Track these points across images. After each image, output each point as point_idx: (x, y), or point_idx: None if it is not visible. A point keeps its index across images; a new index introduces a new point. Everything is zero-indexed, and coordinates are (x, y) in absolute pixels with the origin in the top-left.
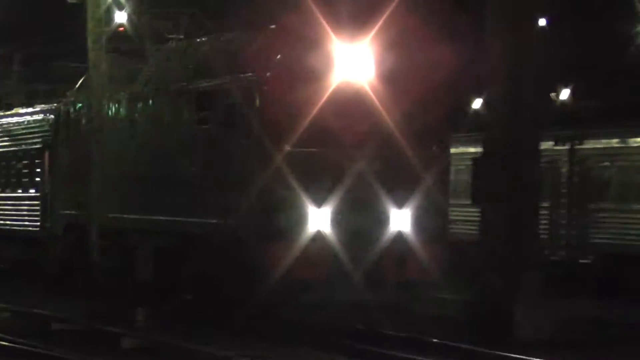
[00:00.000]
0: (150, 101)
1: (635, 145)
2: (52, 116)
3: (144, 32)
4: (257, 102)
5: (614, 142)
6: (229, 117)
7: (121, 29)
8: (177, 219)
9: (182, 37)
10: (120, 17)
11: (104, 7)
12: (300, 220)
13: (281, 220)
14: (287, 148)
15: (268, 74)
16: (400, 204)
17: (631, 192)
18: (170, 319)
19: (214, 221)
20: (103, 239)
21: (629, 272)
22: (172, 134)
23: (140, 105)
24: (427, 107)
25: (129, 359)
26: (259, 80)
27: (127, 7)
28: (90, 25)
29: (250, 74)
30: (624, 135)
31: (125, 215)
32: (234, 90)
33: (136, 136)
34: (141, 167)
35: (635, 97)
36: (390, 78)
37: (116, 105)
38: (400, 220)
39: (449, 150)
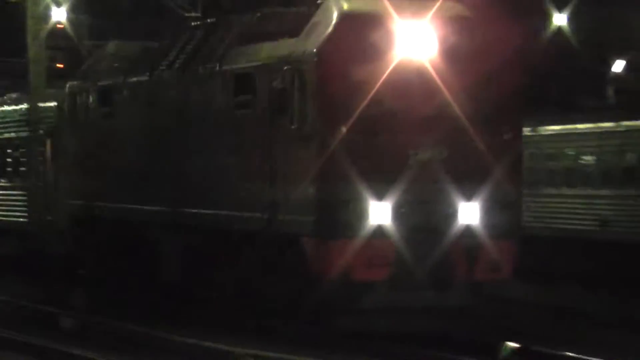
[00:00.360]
0: (174, 85)
1: (545, 133)
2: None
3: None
4: (311, 83)
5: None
6: (277, 100)
7: (60, 26)
8: (209, 212)
9: (199, 14)
10: (59, 14)
11: (43, 5)
12: (360, 215)
13: (339, 215)
14: (345, 134)
15: (323, 52)
16: (468, 196)
17: (540, 177)
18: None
19: (259, 215)
20: (116, 232)
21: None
22: (202, 120)
23: (161, 89)
24: (497, 88)
25: None
26: (314, 59)
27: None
28: (29, 22)
29: (303, 52)
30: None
31: (146, 207)
32: (283, 70)
33: (156, 124)
34: (161, 157)
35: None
36: (456, 56)
37: (131, 90)
38: (469, 214)
39: (522, 136)
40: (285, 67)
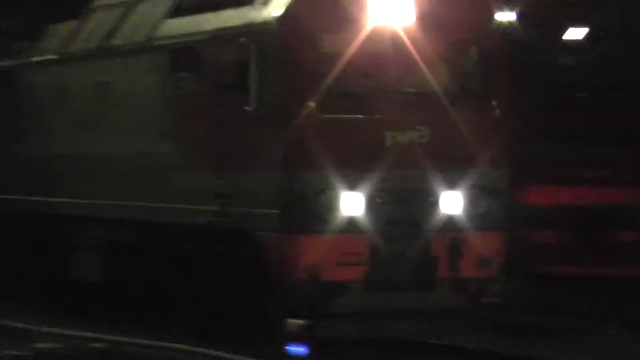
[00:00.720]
0: (90, 65)
1: None
2: None
3: None
4: (273, 57)
5: None
6: (228, 78)
7: None
8: (137, 204)
9: None
10: None
11: None
12: (330, 207)
13: (306, 207)
14: (314, 115)
15: (287, 20)
16: (452, 184)
17: None
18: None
19: (200, 208)
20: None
21: None
22: (127, 104)
23: (73, 70)
24: (482, 59)
25: None
26: (276, 28)
27: None
28: None
29: (262, 21)
30: None
31: (58, 199)
32: (238, 43)
33: (68, 108)
34: (77, 146)
35: None
36: (436, 23)
37: (36, 71)
38: (453, 203)
39: (510, 114)
40: (241, 40)
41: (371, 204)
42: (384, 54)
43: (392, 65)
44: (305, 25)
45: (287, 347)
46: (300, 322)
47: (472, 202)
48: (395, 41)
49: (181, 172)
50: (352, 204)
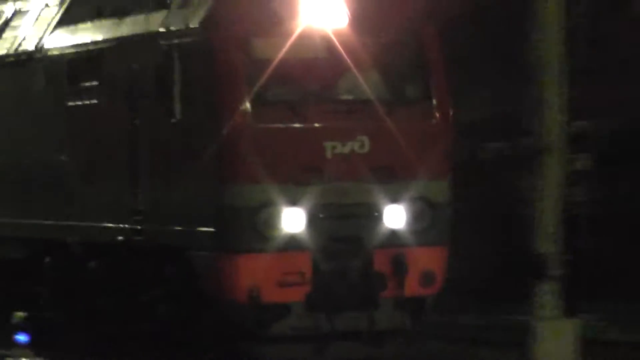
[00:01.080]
0: None
1: None
2: None
3: None
4: (199, 63)
5: None
6: (144, 86)
7: None
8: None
9: None
10: None
11: None
12: (269, 224)
13: (243, 224)
14: (247, 124)
15: (213, 22)
16: (394, 197)
17: None
18: None
19: (122, 226)
20: None
21: None
22: (17, 119)
23: None
24: (418, 63)
25: None
26: (202, 31)
27: None
28: None
29: (184, 25)
30: None
31: None
32: (157, 48)
33: None
34: None
35: None
36: (369, 24)
37: None
38: (396, 217)
39: (451, 120)
40: (162, 44)
41: (312, 220)
42: (318, 59)
43: (327, 71)
44: (232, 28)
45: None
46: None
47: (415, 216)
48: (329, 45)
49: (90, 187)
50: (292, 220)
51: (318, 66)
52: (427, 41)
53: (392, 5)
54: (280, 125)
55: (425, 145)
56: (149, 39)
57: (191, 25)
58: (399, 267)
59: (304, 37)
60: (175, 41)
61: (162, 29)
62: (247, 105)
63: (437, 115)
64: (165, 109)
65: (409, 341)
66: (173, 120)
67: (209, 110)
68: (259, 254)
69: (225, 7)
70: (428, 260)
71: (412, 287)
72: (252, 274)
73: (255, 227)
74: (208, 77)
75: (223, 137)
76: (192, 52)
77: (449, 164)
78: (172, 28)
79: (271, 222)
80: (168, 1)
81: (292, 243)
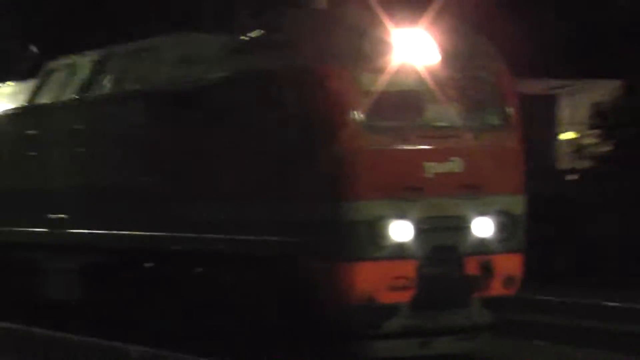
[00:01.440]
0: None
1: None
2: None
3: None
4: (311, 94)
5: None
6: (267, 115)
7: None
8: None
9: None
10: None
11: None
12: (381, 234)
13: (361, 236)
14: (361, 147)
15: (326, 62)
16: (482, 210)
17: None
18: None
19: (255, 238)
20: None
21: None
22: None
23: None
24: (496, 95)
25: None
26: (314, 69)
27: None
28: None
29: (299, 63)
30: None
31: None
32: (274, 83)
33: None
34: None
35: None
36: (456, 62)
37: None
38: (483, 228)
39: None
40: (277, 78)
41: (417, 231)
42: (416, 90)
43: (423, 101)
44: (346, 64)
45: None
46: None
47: (499, 227)
48: (424, 79)
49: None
50: (401, 231)
51: (415, 97)
52: (500, 76)
53: (473, 45)
54: (389, 149)
55: (506, 165)
56: (264, 74)
57: (307, 63)
58: (487, 271)
59: (403, 72)
60: (290, 75)
61: (273, 66)
62: (362, 131)
63: (514, 139)
64: (286, 137)
65: (494, 336)
66: (291, 147)
67: (328, 137)
68: (374, 262)
69: (337, 45)
70: (509, 265)
71: (496, 288)
72: (369, 279)
73: (371, 238)
74: (325, 107)
75: (342, 160)
76: (307, 85)
77: (524, 180)
78: (285, 64)
79: (384, 233)
80: (272, 41)
81: (401, 251)
